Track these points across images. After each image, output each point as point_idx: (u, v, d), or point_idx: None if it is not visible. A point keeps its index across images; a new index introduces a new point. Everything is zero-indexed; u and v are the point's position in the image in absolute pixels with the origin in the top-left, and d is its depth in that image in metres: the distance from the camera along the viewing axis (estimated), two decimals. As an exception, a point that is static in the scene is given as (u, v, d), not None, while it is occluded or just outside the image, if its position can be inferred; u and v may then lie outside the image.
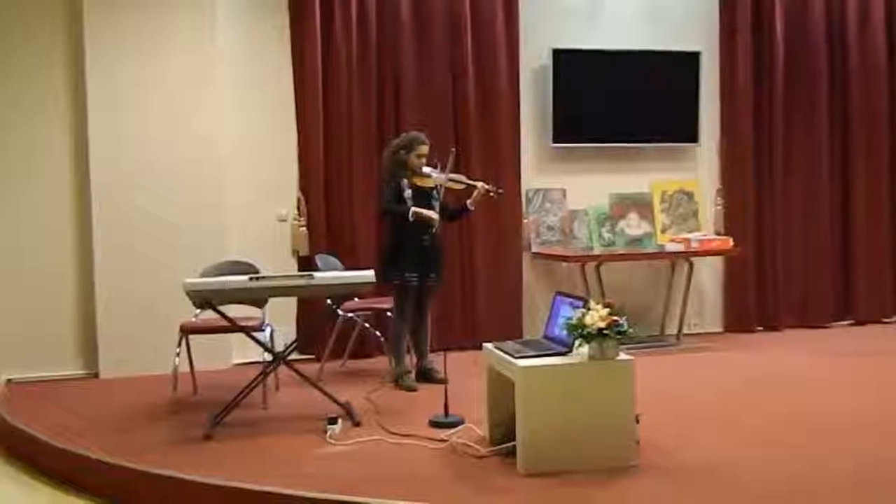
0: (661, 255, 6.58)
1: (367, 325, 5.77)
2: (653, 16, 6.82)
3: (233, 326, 4.67)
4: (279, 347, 4.89)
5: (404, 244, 5.16)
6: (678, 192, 6.76)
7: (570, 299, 3.93)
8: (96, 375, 5.77)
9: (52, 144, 5.78)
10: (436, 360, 5.27)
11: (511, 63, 6.48)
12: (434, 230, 5.10)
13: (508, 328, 6.25)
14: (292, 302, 6.03)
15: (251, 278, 4.37)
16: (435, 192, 5.22)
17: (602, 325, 3.61)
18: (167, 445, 4.16)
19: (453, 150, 5.35)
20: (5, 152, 5.71)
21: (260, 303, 4.99)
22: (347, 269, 5.32)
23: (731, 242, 6.53)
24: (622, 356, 3.74)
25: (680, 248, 6.45)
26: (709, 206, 6.93)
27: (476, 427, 4.16)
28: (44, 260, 5.76)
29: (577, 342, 3.73)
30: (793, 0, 6.95)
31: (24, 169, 5.75)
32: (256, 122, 6.14)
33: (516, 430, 3.66)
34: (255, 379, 4.57)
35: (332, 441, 4.12)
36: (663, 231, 6.67)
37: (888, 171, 7.17)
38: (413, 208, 5.10)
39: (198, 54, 5.85)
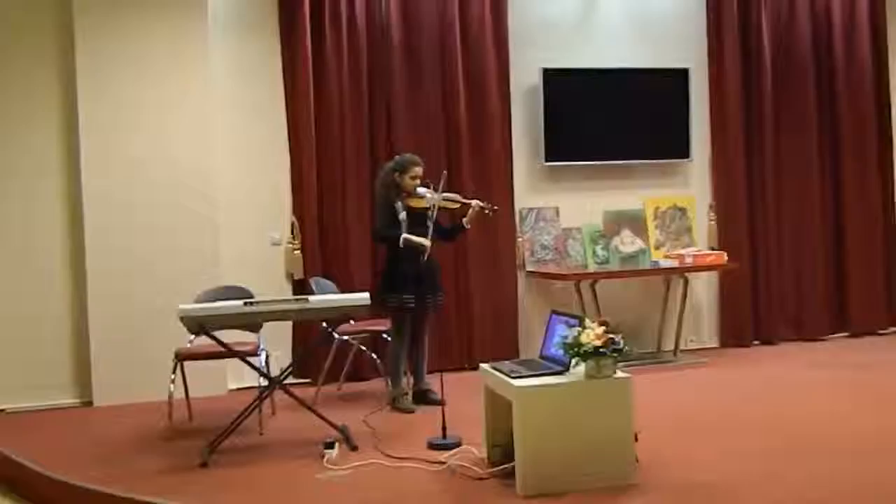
0: (655, 271, 6.58)
1: (362, 347, 5.75)
2: (641, 34, 6.87)
3: (228, 352, 4.65)
4: (275, 372, 4.87)
5: (400, 267, 5.15)
6: (671, 207, 6.77)
7: (566, 318, 3.93)
8: (90, 404, 5.73)
9: (44, 169, 5.76)
10: (432, 382, 5.25)
11: (501, 83, 6.51)
12: (425, 257, 5.09)
13: (504, 348, 6.25)
14: (287, 326, 6.01)
15: (246, 303, 4.37)
16: (430, 212, 5.22)
17: (598, 343, 3.60)
18: (163, 474, 4.13)
19: (444, 172, 5.35)
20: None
21: (255, 327, 4.97)
22: (342, 291, 5.32)
23: (725, 257, 6.54)
24: (619, 374, 3.73)
25: (674, 264, 6.46)
26: (702, 222, 6.94)
27: (474, 448, 4.14)
28: (36, 287, 5.73)
29: (573, 361, 3.72)
30: (778, 14, 7.02)
31: (16, 194, 5.73)
32: (249, 147, 6.15)
33: (515, 451, 3.65)
34: (250, 404, 4.55)
35: (330, 466, 4.09)
36: (657, 247, 6.67)
37: (879, 182, 7.20)
38: (404, 235, 5.11)
39: (190, 79, 5.85)
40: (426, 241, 5.10)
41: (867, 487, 3.59)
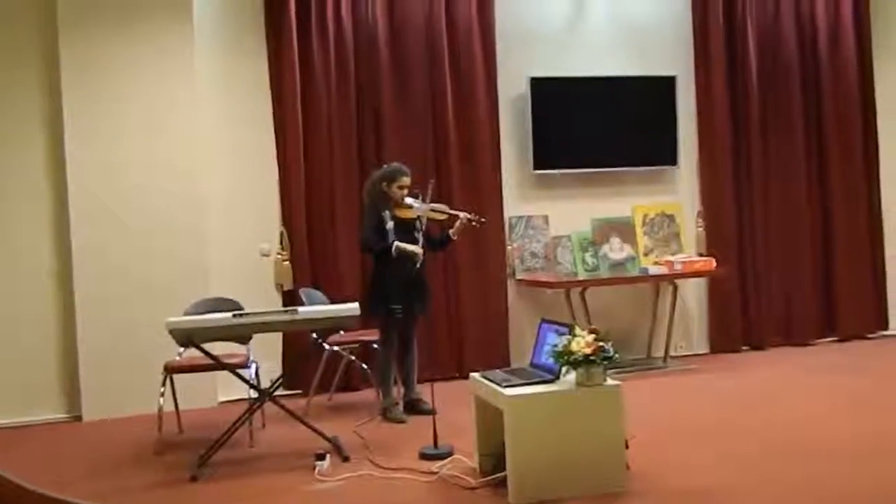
0: (644, 278, 6.58)
1: (353, 357, 5.74)
2: (628, 42, 6.89)
3: (217, 364, 4.63)
4: (265, 384, 4.85)
5: (388, 276, 5.15)
6: (659, 214, 6.79)
7: (556, 326, 3.93)
8: (79, 418, 5.69)
9: (29, 185, 5.73)
10: (423, 392, 5.24)
11: (489, 92, 6.52)
12: (418, 265, 5.09)
13: (495, 357, 6.25)
14: (277, 337, 5.98)
15: (235, 315, 4.35)
16: (417, 222, 5.22)
17: (588, 351, 3.61)
18: (153, 488, 4.11)
19: (432, 181, 5.36)
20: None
21: (244, 339, 4.95)
22: (332, 302, 5.31)
23: (713, 263, 6.56)
24: (609, 381, 3.73)
25: (663, 270, 6.47)
26: (690, 228, 6.97)
27: (466, 458, 4.14)
28: (23, 302, 5.69)
29: (563, 369, 3.73)
30: (764, 20, 7.06)
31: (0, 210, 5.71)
32: (237, 157, 6.13)
33: (507, 460, 3.64)
34: (240, 417, 4.53)
35: (321, 477, 4.08)
36: (646, 254, 6.69)
37: (865, 186, 7.23)
38: (396, 243, 5.10)
39: (177, 88, 5.82)
40: (418, 249, 5.10)
41: (862, 491, 3.60)
